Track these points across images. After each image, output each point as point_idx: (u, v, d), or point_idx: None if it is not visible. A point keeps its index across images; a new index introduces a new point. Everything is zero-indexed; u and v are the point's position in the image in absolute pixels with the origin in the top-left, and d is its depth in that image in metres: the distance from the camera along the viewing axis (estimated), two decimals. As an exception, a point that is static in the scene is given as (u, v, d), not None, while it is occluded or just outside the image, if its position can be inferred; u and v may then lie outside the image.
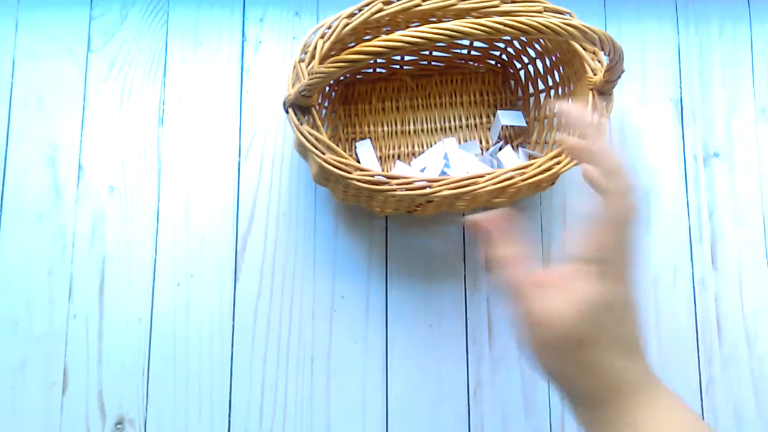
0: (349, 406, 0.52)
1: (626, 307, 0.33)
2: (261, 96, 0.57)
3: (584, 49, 0.48)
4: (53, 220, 0.54)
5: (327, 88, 0.55)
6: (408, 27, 0.50)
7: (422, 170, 0.54)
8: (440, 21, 0.49)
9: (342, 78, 0.57)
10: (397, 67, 0.57)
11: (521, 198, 0.55)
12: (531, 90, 0.56)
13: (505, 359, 0.54)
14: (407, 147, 0.57)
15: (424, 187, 0.43)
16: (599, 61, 0.47)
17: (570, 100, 0.51)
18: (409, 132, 0.57)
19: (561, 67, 0.52)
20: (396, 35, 0.36)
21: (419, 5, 0.46)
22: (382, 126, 0.57)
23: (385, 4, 0.46)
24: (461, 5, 0.46)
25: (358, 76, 0.57)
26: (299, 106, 0.44)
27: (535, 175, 0.44)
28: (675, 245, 0.56)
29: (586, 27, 0.37)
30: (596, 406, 0.33)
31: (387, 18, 0.46)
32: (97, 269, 0.53)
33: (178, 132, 0.56)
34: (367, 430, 0.52)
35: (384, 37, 0.37)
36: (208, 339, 0.53)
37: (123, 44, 0.57)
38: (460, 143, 0.57)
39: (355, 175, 0.44)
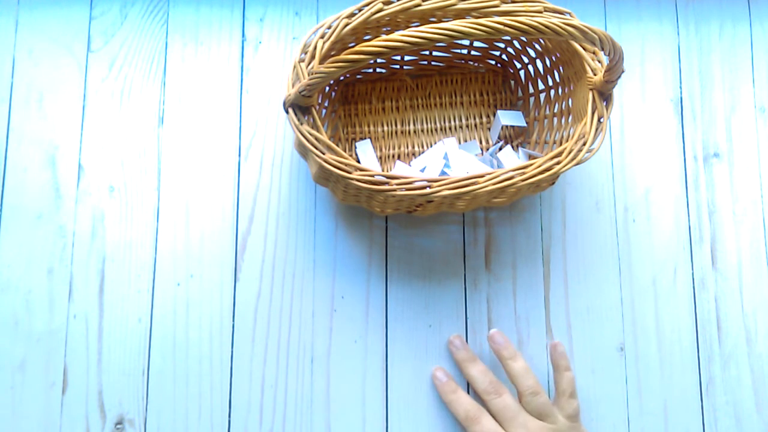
0: (349, 406, 0.52)
1: None
2: (261, 96, 0.57)
3: (584, 49, 0.48)
4: (53, 220, 0.54)
5: (327, 88, 0.55)
6: (408, 27, 0.50)
7: (422, 170, 0.54)
8: (440, 21, 0.49)
9: (342, 78, 0.57)
10: (397, 67, 0.57)
11: (521, 198, 0.55)
12: (531, 90, 0.56)
13: (505, 359, 0.54)
14: (407, 147, 0.57)
15: (424, 187, 0.43)
16: (599, 61, 0.47)
17: (570, 100, 0.51)
18: (409, 132, 0.57)
19: (561, 67, 0.52)
20: (396, 35, 0.36)
21: (419, 5, 0.46)
22: (382, 126, 0.57)
23: (385, 4, 0.46)
24: (461, 5, 0.46)
25: (358, 76, 0.57)
26: (299, 106, 0.44)
27: (535, 175, 0.44)
28: (675, 245, 0.56)
29: (586, 27, 0.37)
30: None
31: (387, 18, 0.46)
32: (97, 269, 0.53)
33: (178, 132, 0.56)
34: (367, 430, 0.52)
35: (384, 37, 0.37)
36: (208, 339, 0.53)
37: (123, 44, 0.57)
38: (460, 143, 0.57)
39: (355, 175, 0.44)
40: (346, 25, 0.45)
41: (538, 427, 0.48)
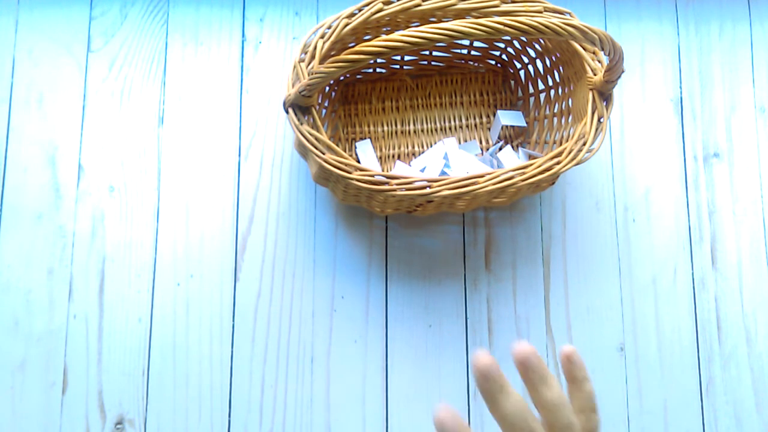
0: (349, 406, 0.52)
1: None
2: (261, 96, 0.57)
3: (584, 49, 0.48)
4: (53, 220, 0.54)
5: (327, 88, 0.55)
6: (408, 27, 0.50)
7: (422, 170, 0.54)
8: (440, 21, 0.49)
9: (342, 78, 0.57)
10: (397, 67, 0.57)
11: (521, 198, 0.55)
12: (531, 90, 0.56)
13: (506, 359, 0.54)
14: (407, 147, 0.57)
15: (424, 187, 0.43)
16: (599, 61, 0.47)
17: (570, 100, 0.51)
18: (409, 132, 0.57)
19: (561, 67, 0.52)
20: (396, 35, 0.36)
21: (419, 5, 0.46)
22: (382, 126, 0.57)
23: (385, 4, 0.46)
24: (461, 5, 0.46)
25: (358, 76, 0.57)
26: (299, 106, 0.44)
27: (535, 175, 0.44)
28: (675, 245, 0.56)
29: (586, 27, 0.37)
30: None
31: (387, 18, 0.46)
32: (97, 269, 0.53)
33: (178, 132, 0.56)
34: (367, 430, 0.52)
35: (384, 37, 0.37)
36: (208, 339, 0.53)
37: (123, 44, 0.57)
38: (460, 143, 0.57)
39: (355, 175, 0.44)
40: (346, 25, 0.45)
41: None
